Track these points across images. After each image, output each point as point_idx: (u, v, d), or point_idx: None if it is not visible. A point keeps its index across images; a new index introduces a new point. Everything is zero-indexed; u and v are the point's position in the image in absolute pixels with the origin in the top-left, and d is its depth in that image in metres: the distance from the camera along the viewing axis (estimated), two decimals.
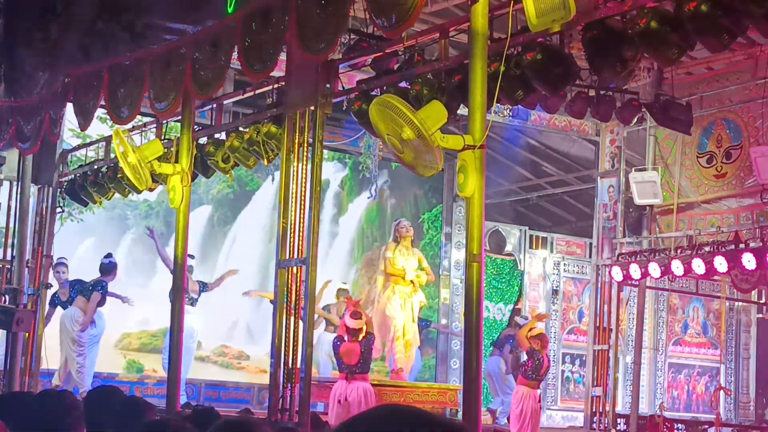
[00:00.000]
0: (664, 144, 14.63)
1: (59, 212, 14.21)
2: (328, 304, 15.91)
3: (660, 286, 16.30)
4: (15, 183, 13.88)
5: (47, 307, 14.07)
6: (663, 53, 8.27)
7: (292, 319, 9.16)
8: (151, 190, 12.00)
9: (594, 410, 14.61)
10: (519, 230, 18.65)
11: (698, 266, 13.07)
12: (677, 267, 13.32)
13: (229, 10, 8.95)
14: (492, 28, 7.89)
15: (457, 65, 8.93)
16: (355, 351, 12.23)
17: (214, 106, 11.85)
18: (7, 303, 12.93)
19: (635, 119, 13.42)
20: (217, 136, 11.65)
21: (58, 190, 14.00)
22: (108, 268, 14.49)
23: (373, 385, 12.85)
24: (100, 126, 13.96)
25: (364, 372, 12.35)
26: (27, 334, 13.40)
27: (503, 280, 18.37)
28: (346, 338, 12.32)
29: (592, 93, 12.32)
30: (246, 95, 11.55)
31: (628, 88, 12.98)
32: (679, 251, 13.57)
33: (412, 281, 14.24)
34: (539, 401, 13.33)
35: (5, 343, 13.47)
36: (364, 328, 12.39)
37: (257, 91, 11.22)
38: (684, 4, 7.80)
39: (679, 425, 16.47)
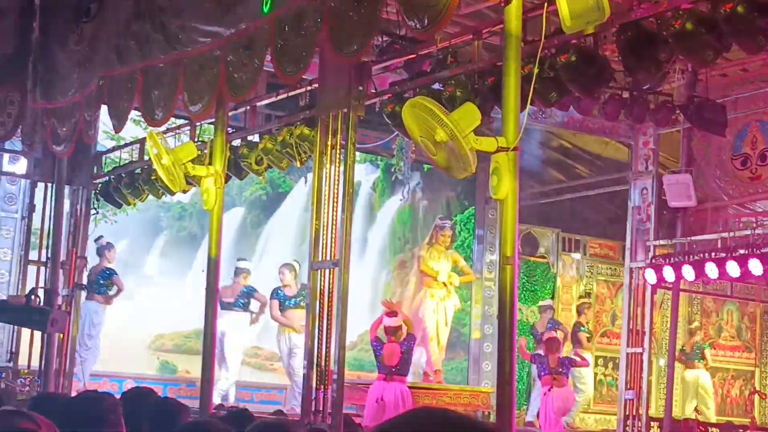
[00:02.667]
0: (698, 146, 14.54)
1: (93, 214, 14.29)
2: None
3: (694, 289, 16.19)
4: (50, 185, 13.97)
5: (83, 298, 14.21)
6: (698, 55, 8.22)
7: (325, 320, 9.17)
8: (184, 192, 12.06)
9: (627, 414, 14.52)
10: (552, 232, 18.57)
11: (732, 269, 12.97)
12: (711, 270, 13.22)
13: (265, 9, 8.96)
14: (525, 30, 7.87)
15: (491, 67, 8.91)
16: (396, 352, 12.28)
17: (248, 108, 11.89)
18: (41, 304, 13.01)
19: (669, 121, 13.34)
20: (250, 138, 11.68)
21: (93, 191, 14.08)
22: (104, 248, 14.60)
23: (416, 387, 12.90)
24: (134, 128, 14.03)
25: (403, 374, 12.39)
26: (61, 335, 13.49)
27: (536, 282, 18.31)
28: (384, 339, 12.35)
29: (625, 95, 12.26)
30: (279, 97, 11.57)
31: (662, 90, 12.90)
32: (713, 254, 13.47)
33: (445, 284, 14.21)
34: (559, 399, 13.69)
35: (40, 344, 13.56)
36: (403, 326, 12.44)
37: (290, 94, 11.24)
38: (719, 6, 7.75)
39: (714, 429, 16.35)
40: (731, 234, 13.66)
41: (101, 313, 14.40)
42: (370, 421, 11.96)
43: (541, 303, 16.56)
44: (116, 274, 14.52)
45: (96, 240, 14.60)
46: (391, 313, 12.46)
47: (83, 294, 14.18)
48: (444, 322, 14.30)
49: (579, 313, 17.11)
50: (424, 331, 14.33)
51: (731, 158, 14.14)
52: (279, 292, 14.60)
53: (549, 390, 13.73)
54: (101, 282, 14.37)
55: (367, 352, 17.32)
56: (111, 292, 14.41)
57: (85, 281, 14.23)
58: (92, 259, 14.70)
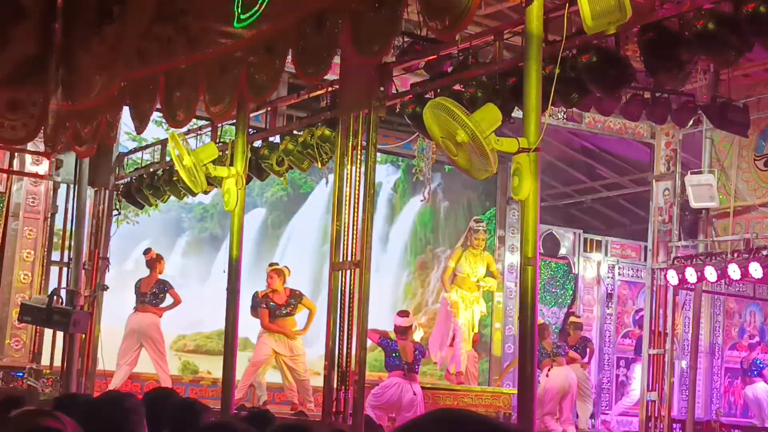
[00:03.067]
0: (721, 146, 14.49)
1: (115, 215, 14.34)
2: None
3: (716, 290, 16.13)
4: (72, 186, 14.03)
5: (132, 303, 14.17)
6: (720, 55, 8.18)
7: (346, 321, 9.17)
8: (206, 192, 12.07)
9: (649, 415, 14.48)
10: (573, 233, 18.54)
11: (755, 270, 12.92)
12: (734, 271, 13.18)
13: (236, 24, 9.00)
14: (547, 31, 7.85)
15: (512, 68, 8.89)
16: (410, 349, 12.44)
17: (269, 109, 11.91)
18: (64, 304, 13.07)
19: (691, 122, 13.29)
20: (271, 139, 11.69)
21: (115, 192, 14.13)
22: (155, 261, 14.48)
23: (425, 388, 12.91)
24: (155, 129, 14.07)
25: (417, 372, 12.48)
26: (84, 336, 13.54)
27: (557, 283, 18.28)
28: (394, 338, 12.47)
29: (647, 95, 12.21)
30: (300, 98, 11.59)
31: (684, 91, 12.84)
32: (735, 255, 13.42)
33: (478, 286, 14.15)
34: (559, 377, 14.08)
35: (62, 345, 13.62)
36: (414, 326, 12.57)
37: (311, 95, 11.25)
38: (742, 6, 7.71)
39: (736, 431, 16.28)
40: (754, 235, 13.60)
41: (160, 325, 14.31)
42: (379, 410, 12.25)
43: (573, 320, 16.03)
44: (171, 286, 14.42)
45: (144, 253, 14.54)
46: (403, 313, 12.58)
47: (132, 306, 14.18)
48: (471, 326, 14.28)
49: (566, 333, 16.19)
50: (456, 332, 14.30)
51: (754, 159, 14.08)
52: (270, 303, 13.83)
53: (549, 371, 13.89)
54: (157, 294, 14.27)
55: None
56: (164, 304, 14.32)
57: (133, 293, 14.23)
58: (133, 267, 14.81)
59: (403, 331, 12.47)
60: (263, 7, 8.81)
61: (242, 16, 9.02)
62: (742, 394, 17.27)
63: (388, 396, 12.34)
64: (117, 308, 14.63)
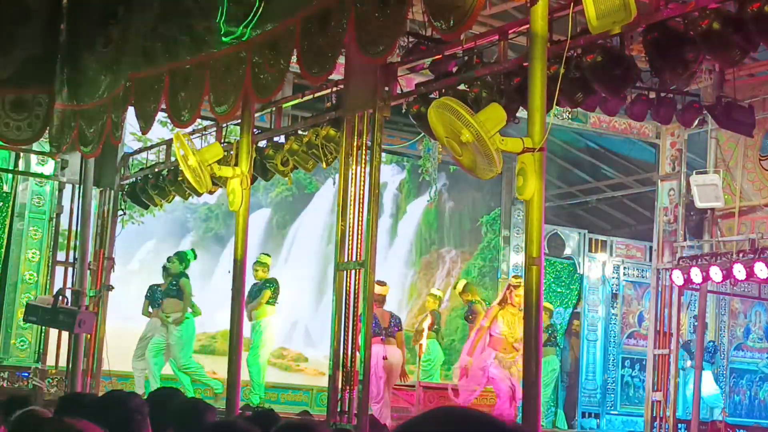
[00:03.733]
0: (726, 146, 14.47)
1: (120, 215, 14.34)
2: None
3: (721, 291, 16.10)
4: (77, 186, 14.04)
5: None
6: (725, 55, 8.17)
7: (351, 321, 9.17)
8: (211, 193, 12.09)
9: (654, 415, 14.46)
10: (578, 233, 18.53)
11: (761, 270, 12.90)
12: (739, 271, 13.16)
13: (225, 39, 9.03)
14: (551, 30, 7.85)
15: (516, 68, 8.89)
16: (386, 316, 12.92)
17: (273, 109, 11.91)
18: (69, 305, 13.08)
19: (696, 121, 13.28)
20: (276, 139, 11.70)
21: (120, 193, 14.14)
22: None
23: (429, 388, 12.90)
24: (160, 129, 14.08)
25: (393, 337, 12.95)
26: (89, 336, 13.55)
27: (562, 283, 18.27)
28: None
29: (652, 95, 12.20)
30: (305, 98, 11.59)
31: (689, 90, 12.84)
32: (741, 255, 13.40)
33: (515, 348, 12.76)
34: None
35: (67, 345, 13.63)
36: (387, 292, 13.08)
37: (316, 95, 11.25)
38: (747, 5, 7.70)
39: (741, 431, 16.26)
40: (759, 235, 13.59)
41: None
42: (377, 379, 12.48)
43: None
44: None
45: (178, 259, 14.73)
46: (380, 282, 12.41)
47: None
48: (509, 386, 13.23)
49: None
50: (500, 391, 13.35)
51: (759, 158, 14.06)
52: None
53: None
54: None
55: None
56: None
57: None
58: (138, 267, 14.82)
59: (381, 300, 12.68)
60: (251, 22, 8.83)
61: (224, 30, 9.05)
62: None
63: (378, 361, 12.49)
64: (122, 308, 14.65)
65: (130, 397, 4.43)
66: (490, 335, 13.23)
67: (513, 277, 14.71)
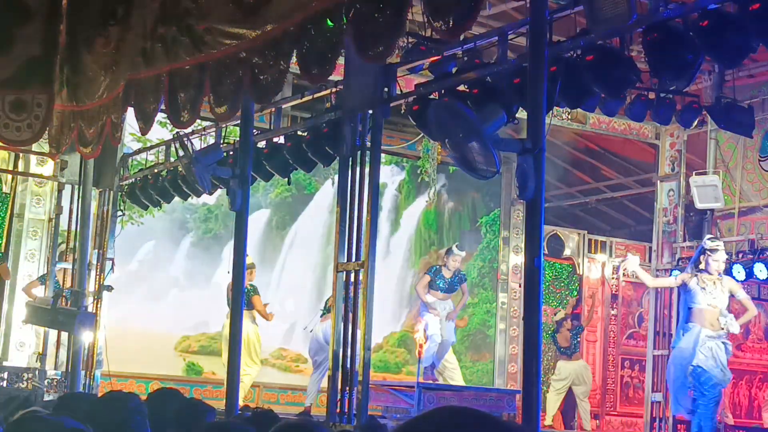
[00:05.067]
0: (725, 147, 14.47)
1: (120, 215, 14.35)
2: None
3: None
4: (77, 187, 14.04)
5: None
6: (725, 56, 8.18)
7: (350, 322, 9.17)
8: (210, 193, 12.09)
9: (654, 416, 14.47)
10: (577, 234, 18.52)
11: (760, 271, 12.92)
12: (739, 272, 13.17)
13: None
14: (551, 31, 7.85)
15: (516, 68, 8.89)
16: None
17: (273, 110, 11.91)
18: (68, 305, 13.07)
19: (696, 122, 13.28)
20: (275, 139, 11.70)
21: (119, 193, 14.14)
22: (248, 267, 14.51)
23: (429, 388, 12.90)
24: (160, 130, 14.08)
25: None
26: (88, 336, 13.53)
27: (562, 284, 18.26)
28: None
29: (652, 96, 12.21)
30: (304, 99, 11.59)
31: (689, 91, 12.84)
32: (740, 256, 13.41)
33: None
34: None
35: (67, 346, 13.62)
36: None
37: (315, 95, 11.25)
38: (746, 6, 7.70)
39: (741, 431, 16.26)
40: (759, 236, 13.60)
41: None
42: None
43: None
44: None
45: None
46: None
47: None
48: None
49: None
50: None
51: (759, 159, 14.07)
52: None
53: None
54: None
55: (392, 353, 17.34)
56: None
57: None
58: (137, 268, 14.78)
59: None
60: None
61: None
62: None
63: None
64: (122, 309, 14.64)
65: (129, 397, 4.43)
66: (689, 308, 11.92)
67: (708, 239, 12.14)
